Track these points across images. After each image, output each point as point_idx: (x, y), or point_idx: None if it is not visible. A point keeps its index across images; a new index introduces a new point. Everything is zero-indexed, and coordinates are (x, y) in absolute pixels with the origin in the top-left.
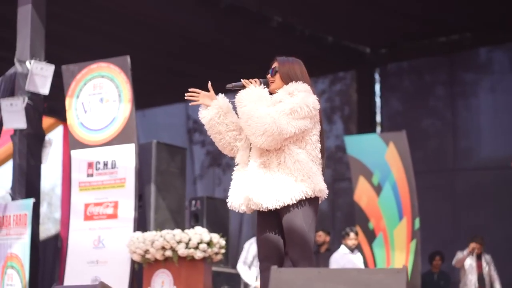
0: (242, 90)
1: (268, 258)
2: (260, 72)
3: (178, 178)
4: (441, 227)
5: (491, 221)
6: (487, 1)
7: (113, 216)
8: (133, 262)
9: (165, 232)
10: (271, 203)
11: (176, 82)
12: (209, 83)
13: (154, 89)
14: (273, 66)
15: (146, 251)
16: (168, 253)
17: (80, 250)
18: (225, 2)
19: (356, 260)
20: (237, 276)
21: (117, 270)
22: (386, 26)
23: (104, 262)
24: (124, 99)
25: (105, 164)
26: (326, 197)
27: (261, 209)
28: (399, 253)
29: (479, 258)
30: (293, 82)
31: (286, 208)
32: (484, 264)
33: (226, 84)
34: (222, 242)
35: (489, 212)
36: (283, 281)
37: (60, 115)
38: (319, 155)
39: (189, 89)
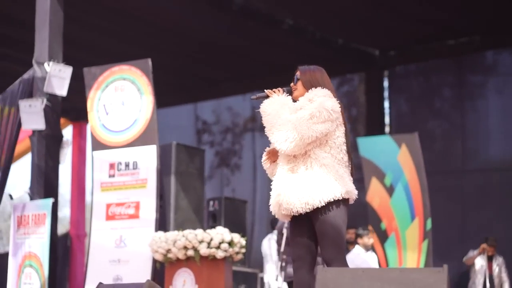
0: (265, 100)
1: (302, 258)
2: (272, 74)
3: (197, 178)
4: (449, 228)
5: (499, 221)
6: (496, 5)
7: (135, 216)
8: (154, 261)
9: (187, 232)
10: (301, 207)
11: (185, 83)
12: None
13: (164, 90)
14: (295, 75)
15: (168, 251)
16: (190, 252)
17: (102, 249)
18: (237, 4)
19: (370, 260)
20: (254, 275)
21: (139, 269)
22: (395, 29)
23: (126, 261)
24: (145, 101)
25: (127, 165)
26: (356, 198)
27: (292, 213)
28: (411, 253)
29: (490, 259)
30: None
31: (317, 211)
32: (494, 265)
33: (238, 85)
34: (243, 242)
35: (497, 213)
36: (329, 280)
37: (70, 114)
38: (345, 158)
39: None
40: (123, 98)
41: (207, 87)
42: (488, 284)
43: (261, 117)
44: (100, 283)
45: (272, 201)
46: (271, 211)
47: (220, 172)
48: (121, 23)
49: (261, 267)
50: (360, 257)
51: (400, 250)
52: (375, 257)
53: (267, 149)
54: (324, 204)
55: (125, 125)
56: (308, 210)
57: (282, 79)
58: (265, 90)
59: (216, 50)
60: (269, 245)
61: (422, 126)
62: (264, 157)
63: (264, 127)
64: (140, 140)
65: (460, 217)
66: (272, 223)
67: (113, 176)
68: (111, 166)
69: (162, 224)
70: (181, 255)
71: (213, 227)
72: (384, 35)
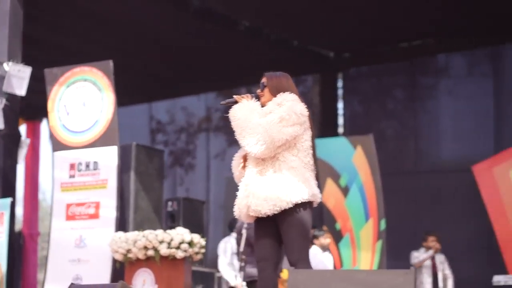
0: (234, 105)
1: (267, 259)
2: (227, 75)
3: (156, 179)
4: (402, 228)
5: (450, 222)
6: (448, 8)
7: (95, 216)
8: (114, 261)
9: (147, 232)
10: (269, 208)
11: (140, 83)
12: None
13: (118, 89)
14: (262, 81)
15: (128, 251)
16: (150, 252)
17: (62, 249)
18: (194, 5)
19: (326, 261)
20: (211, 275)
21: (99, 269)
22: (350, 31)
23: (86, 260)
24: (106, 103)
25: (87, 166)
26: (319, 201)
27: (259, 215)
28: (365, 253)
29: (432, 257)
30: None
31: (283, 213)
32: (438, 263)
33: (193, 86)
34: (203, 242)
35: (448, 213)
36: (300, 281)
37: (23, 113)
38: (311, 161)
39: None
40: (84, 99)
41: (162, 87)
42: (440, 283)
43: (229, 121)
44: (72, 284)
45: (239, 203)
46: (233, 212)
47: (174, 171)
48: (80, 23)
49: (217, 267)
50: (317, 257)
51: (354, 250)
52: (331, 257)
53: (238, 154)
54: (291, 206)
55: (86, 125)
56: (275, 212)
57: (237, 80)
58: (233, 96)
59: (172, 51)
60: (225, 248)
61: (375, 127)
62: (238, 162)
63: (233, 130)
64: (101, 141)
65: (413, 218)
66: (231, 224)
67: (74, 176)
68: (72, 166)
69: (121, 224)
70: (141, 255)
71: (172, 227)
72: (339, 38)
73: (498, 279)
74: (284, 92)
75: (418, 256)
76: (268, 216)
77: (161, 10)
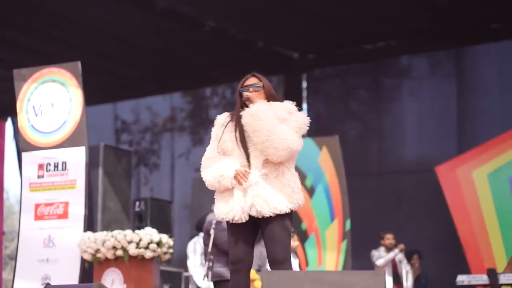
0: (259, 105)
1: (242, 261)
2: (192, 75)
3: (124, 179)
4: (366, 228)
5: (412, 222)
6: (411, 11)
7: (64, 216)
8: (83, 261)
9: (116, 232)
10: (269, 211)
11: (105, 83)
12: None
13: (83, 89)
14: (255, 81)
15: (97, 250)
16: (119, 252)
17: (31, 249)
18: (160, 6)
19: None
20: (178, 274)
21: (67, 268)
22: (315, 33)
23: (55, 260)
24: (75, 104)
25: (56, 166)
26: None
27: (258, 217)
28: (330, 253)
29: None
30: (273, 99)
31: (277, 216)
32: (397, 261)
33: (158, 85)
34: (171, 242)
35: (412, 214)
36: (274, 282)
37: None
38: None
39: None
40: (52, 100)
41: (127, 87)
42: (409, 281)
43: (194, 121)
44: (47, 283)
45: (238, 202)
46: (218, 213)
47: (138, 171)
48: (46, 24)
49: (184, 267)
50: None
51: (319, 250)
52: (296, 259)
53: (246, 171)
54: (288, 211)
55: (55, 126)
56: (272, 215)
57: (203, 80)
58: (243, 93)
59: (138, 51)
60: (194, 248)
61: (339, 128)
62: (243, 179)
63: (197, 130)
64: (69, 142)
65: (376, 218)
66: (199, 224)
67: (42, 176)
68: (40, 166)
69: (89, 224)
70: (110, 255)
71: (139, 227)
72: (303, 39)
73: (461, 278)
74: (275, 96)
75: (378, 255)
76: (250, 218)
77: (127, 10)
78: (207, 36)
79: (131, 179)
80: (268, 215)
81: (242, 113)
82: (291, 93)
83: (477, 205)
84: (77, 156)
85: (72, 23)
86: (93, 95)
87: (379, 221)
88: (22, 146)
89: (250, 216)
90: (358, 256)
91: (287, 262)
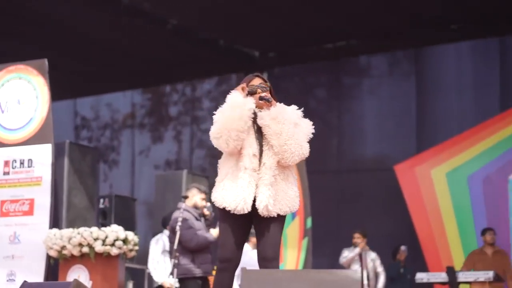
0: (279, 108)
1: (229, 261)
2: (154, 72)
3: (89, 177)
4: (325, 226)
5: (372, 220)
6: (374, 11)
7: (29, 213)
8: (48, 257)
9: (82, 229)
10: (275, 211)
11: (64, 79)
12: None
13: None
14: (261, 82)
15: (63, 247)
16: (85, 249)
17: None
18: (123, 3)
19: (254, 257)
20: (142, 271)
21: (33, 265)
22: (276, 31)
23: (20, 257)
24: (41, 101)
25: (22, 163)
26: None
27: (265, 216)
28: (291, 250)
29: (360, 255)
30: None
31: (274, 217)
32: (368, 260)
33: (118, 82)
34: (136, 239)
35: (371, 212)
36: (253, 281)
37: None
38: None
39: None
40: (19, 97)
41: (86, 83)
42: (381, 283)
43: (155, 118)
44: (25, 281)
45: (248, 194)
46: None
47: (97, 168)
48: (5, 20)
49: (147, 263)
50: (248, 254)
51: (281, 247)
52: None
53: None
54: (289, 213)
55: (21, 123)
56: (276, 215)
57: (163, 77)
58: (265, 95)
59: (98, 47)
60: (156, 245)
61: None
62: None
63: (157, 127)
64: (35, 139)
65: (335, 216)
66: (164, 221)
67: (8, 173)
68: (6, 163)
69: (54, 221)
70: (76, 252)
71: (103, 224)
72: (264, 38)
73: (420, 276)
74: (275, 98)
75: (346, 253)
76: (245, 215)
77: (90, 7)
78: (169, 33)
79: (96, 176)
80: (273, 215)
81: (260, 114)
82: None
83: (435, 204)
84: (43, 153)
85: (33, 20)
86: (52, 91)
87: (338, 219)
88: None
89: (247, 213)
90: (317, 254)
91: (275, 261)
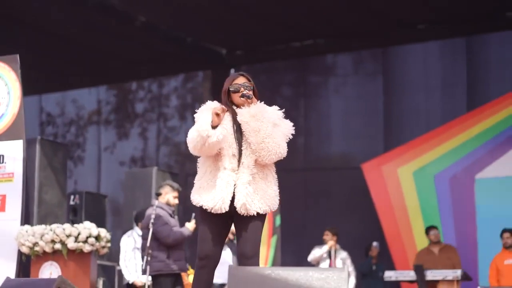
0: (259, 106)
1: (209, 258)
2: (121, 69)
3: (60, 173)
4: (292, 224)
5: (338, 218)
6: (341, 10)
7: (1, 209)
8: (20, 254)
9: (54, 226)
10: (254, 210)
11: (30, 75)
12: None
13: None
14: (245, 81)
15: (35, 244)
16: (58, 246)
17: None
18: (92, 0)
19: (226, 255)
20: (112, 268)
21: (4, 262)
22: (244, 29)
23: None
24: (13, 97)
25: None
26: None
27: (244, 215)
28: (261, 248)
29: (329, 253)
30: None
31: (257, 215)
32: (338, 259)
33: (84, 78)
34: (108, 236)
35: (336, 210)
36: (240, 278)
37: None
38: None
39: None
40: None
41: (52, 80)
42: (351, 282)
43: (120, 115)
44: (8, 277)
45: (227, 194)
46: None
47: None
48: None
49: (117, 261)
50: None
51: None
52: (230, 252)
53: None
54: (268, 212)
55: None
56: (256, 214)
57: (130, 74)
58: (246, 92)
59: (65, 43)
60: (127, 243)
61: None
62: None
63: (122, 123)
64: (7, 135)
65: (301, 214)
66: (137, 218)
67: None
68: None
69: (26, 218)
70: (48, 249)
71: (74, 221)
72: (232, 35)
73: (389, 274)
74: (257, 99)
75: (316, 251)
76: (223, 215)
77: (58, 2)
78: (136, 30)
79: (67, 173)
80: (251, 214)
81: (240, 111)
82: (219, 89)
83: (402, 202)
84: (14, 149)
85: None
86: None
87: (304, 217)
88: None
89: (226, 212)
90: (283, 251)
91: (254, 258)
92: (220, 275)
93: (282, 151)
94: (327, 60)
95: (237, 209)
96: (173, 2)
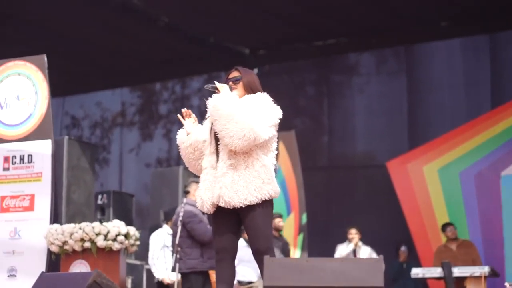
0: (218, 94)
1: (225, 250)
2: (144, 70)
3: (88, 172)
4: (316, 222)
5: (364, 216)
6: (363, 9)
7: (30, 208)
8: (50, 253)
9: (84, 224)
10: (239, 201)
11: (54, 77)
12: (193, 115)
13: None
14: (235, 75)
15: (65, 243)
16: (87, 244)
17: None
18: (114, 1)
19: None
20: (140, 266)
21: (34, 260)
22: (266, 29)
23: (21, 252)
24: (40, 97)
25: (22, 159)
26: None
27: (227, 207)
28: None
29: (354, 252)
30: (254, 92)
31: (251, 207)
32: (362, 256)
33: (108, 80)
34: (137, 234)
35: (362, 208)
36: (276, 269)
37: None
38: (275, 162)
39: (184, 110)
40: (18, 93)
41: (75, 82)
42: None
43: (145, 116)
44: (43, 272)
45: (203, 193)
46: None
47: None
48: None
49: (146, 259)
50: (243, 249)
51: None
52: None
53: (182, 131)
54: (259, 202)
55: (20, 119)
56: (243, 206)
57: (153, 75)
58: (215, 82)
59: (88, 45)
60: (157, 240)
61: (288, 125)
62: (185, 134)
63: (146, 125)
64: (35, 135)
65: (326, 212)
66: (166, 216)
67: (8, 169)
68: (6, 159)
69: (54, 217)
70: (77, 247)
71: (101, 220)
72: (254, 35)
73: (416, 271)
74: (256, 90)
75: (341, 249)
76: (230, 209)
77: (80, 5)
78: (160, 31)
79: (95, 172)
80: (238, 206)
81: (207, 102)
82: None
83: (427, 200)
84: (43, 149)
85: (21, 19)
86: None
87: (328, 215)
88: None
89: (228, 208)
90: (309, 248)
91: (269, 252)
92: (246, 273)
93: (250, 135)
94: (350, 59)
95: (218, 204)
96: (195, 2)
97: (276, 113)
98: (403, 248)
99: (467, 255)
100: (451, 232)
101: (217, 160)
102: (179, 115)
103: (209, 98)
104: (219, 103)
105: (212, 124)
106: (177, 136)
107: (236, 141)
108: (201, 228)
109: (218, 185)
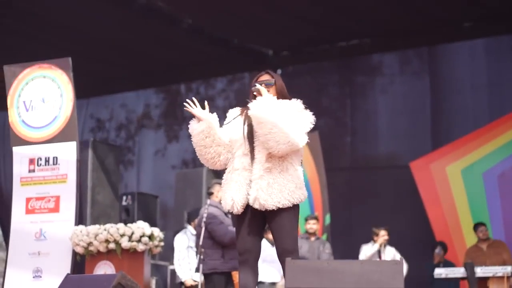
0: (266, 98)
1: (249, 252)
2: (168, 72)
3: (113, 174)
4: (338, 223)
5: (387, 217)
6: (386, 9)
7: (55, 210)
8: (75, 254)
9: (108, 225)
10: (273, 204)
11: (78, 79)
12: (206, 102)
13: None
14: (267, 78)
15: (90, 244)
16: (112, 245)
17: (22, 242)
18: (138, 3)
19: (274, 253)
20: (164, 267)
21: (59, 261)
22: (289, 30)
23: (46, 253)
24: (65, 99)
25: (47, 161)
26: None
27: (260, 209)
28: None
29: (379, 252)
30: (284, 96)
31: (280, 209)
32: (387, 257)
33: (132, 82)
34: (161, 235)
35: (386, 209)
36: (298, 271)
37: None
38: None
39: (188, 100)
40: (43, 95)
41: (99, 84)
42: None
43: (169, 118)
44: (68, 274)
45: (240, 194)
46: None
47: None
48: (22, 22)
49: (170, 260)
50: (266, 251)
51: None
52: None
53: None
54: (291, 206)
55: (45, 121)
56: (275, 209)
57: (177, 77)
58: (256, 85)
59: (112, 46)
60: (181, 242)
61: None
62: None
63: (171, 127)
64: (60, 137)
65: (349, 213)
66: (189, 217)
67: (33, 171)
68: (31, 161)
69: (79, 218)
70: (102, 248)
71: (126, 221)
72: (278, 36)
73: (439, 272)
74: (286, 94)
75: (366, 250)
76: (259, 211)
77: (104, 6)
78: (183, 33)
79: (119, 174)
80: (271, 209)
81: (249, 104)
82: None
83: (451, 201)
84: (68, 151)
85: (45, 21)
86: None
87: (351, 216)
88: (13, 141)
89: (255, 209)
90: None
91: (295, 253)
92: (269, 273)
93: (292, 140)
94: (373, 59)
95: (253, 205)
96: (218, 4)
97: (312, 121)
98: (437, 250)
99: (498, 255)
100: (482, 233)
101: (252, 162)
102: (187, 106)
103: (253, 101)
104: (266, 105)
105: (248, 125)
106: (189, 126)
107: (281, 146)
108: (221, 229)
109: (254, 187)
